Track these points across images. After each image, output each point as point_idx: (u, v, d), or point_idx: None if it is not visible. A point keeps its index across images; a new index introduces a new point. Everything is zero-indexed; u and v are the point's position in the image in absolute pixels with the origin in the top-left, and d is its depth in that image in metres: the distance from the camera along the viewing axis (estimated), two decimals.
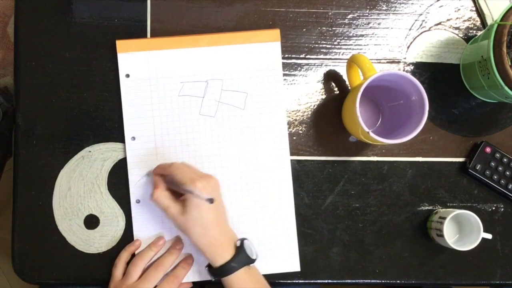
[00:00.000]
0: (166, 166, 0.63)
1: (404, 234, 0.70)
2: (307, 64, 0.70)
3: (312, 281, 0.68)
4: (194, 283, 0.68)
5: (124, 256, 0.66)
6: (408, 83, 0.60)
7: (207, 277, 0.66)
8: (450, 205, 0.70)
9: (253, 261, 0.61)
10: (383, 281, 0.69)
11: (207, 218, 0.59)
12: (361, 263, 0.69)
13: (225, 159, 0.68)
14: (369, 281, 0.69)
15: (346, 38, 0.71)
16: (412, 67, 0.71)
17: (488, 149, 0.69)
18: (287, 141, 0.69)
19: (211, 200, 0.57)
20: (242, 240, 0.62)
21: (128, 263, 0.65)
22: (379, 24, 0.71)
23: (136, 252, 0.66)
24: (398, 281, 0.69)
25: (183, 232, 0.61)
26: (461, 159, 0.70)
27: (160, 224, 0.67)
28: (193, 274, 0.67)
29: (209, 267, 0.62)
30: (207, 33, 0.69)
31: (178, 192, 0.63)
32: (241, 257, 0.60)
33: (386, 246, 0.69)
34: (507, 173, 0.69)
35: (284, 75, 0.70)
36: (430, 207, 0.70)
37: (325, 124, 0.70)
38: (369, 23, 0.71)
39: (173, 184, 0.62)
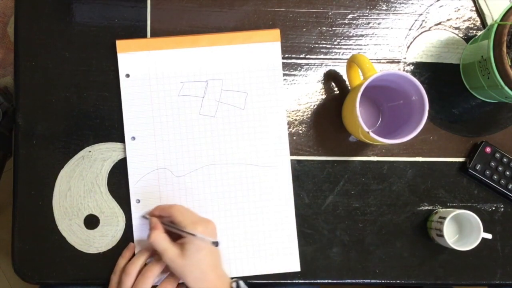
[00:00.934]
0: (166, 207, 0.64)
1: (404, 234, 0.70)
2: (307, 64, 0.70)
3: (312, 281, 0.68)
4: None
5: (122, 263, 0.65)
6: (408, 83, 0.60)
7: None
8: (450, 205, 0.70)
9: None
10: (383, 281, 0.69)
11: (205, 262, 0.59)
12: (361, 263, 0.69)
13: (225, 159, 0.68)
14: (369, 281, 0.69)
15: (346, 38, 0.71)
16: (412, 67, 0.71)
17: (488, 149, 0.69)
18: (287, 141, 0.69)
19: (216, 243, 0.57)
20: (237, 282, 0.62)
21: None
22: (379, 24, 0.71)
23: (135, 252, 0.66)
24: (398, 281, 0.69)
25: (179, 275, 0.60)
26: (461, 159, 0.70)
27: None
28: None
29: None
30: (207, 33, 0.69)
31: (174, 235, 0.62)
32: None
33: (386, 246, 0.69)
34: (507, 173, 0.69)
35: (284, 75, 0.70)
36: (430, 207, 0.70)
37: (325, 124, 0.70)
38: (369, 23, 0.71)
39: (171, 226, 0.62)
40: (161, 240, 0.60)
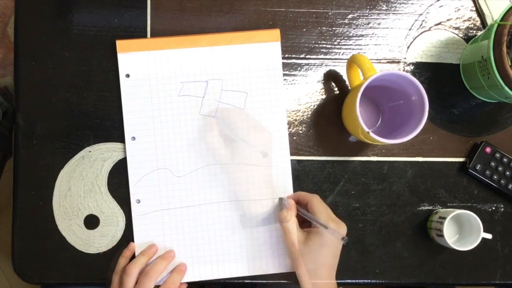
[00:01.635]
0: (307, 195, 0.64)
1: (404, 234, 0.70)
2: (307, 64, 0.70)
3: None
4: (193, 283, 0.68)
5: (122, 263, 0.65)
6: (408, 83, 0.60)
7: (202, 277, 0.66)
8: (450, 205, 0.70)
9: None
10: (383, 281, 0.69)
11: (324, 258, 0.59)
12: (361, 263, 0.69)
13: (225, 159, 0.68)
14: (369, 281, 0.69)
15: (346, 38, 0.71)
16: (412, 67, 0.71)
17: (488, 149, 0.69)
18: (287, 141, 0.69)
19: (345, 240, 0.56)
20: None
21: None
22: (379, 24, 0.71)
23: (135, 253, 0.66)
24: (398, 281, 0.69)
25: (292, 260, 0.61)
26: (461, 159, 0.70)
27: (160, 224, 0.67)
28: (192, 274, 0.67)
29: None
30: (207, 33, 0.69)
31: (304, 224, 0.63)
32: None
33: (386, 246, 0.69)
34: (507, 173, 0.69)
35: (284, 75, 0.70)
36: (430, 207, 0.70)
37: (325, 124, 0.70)
38: (369, 23, 0.71)
39: (305, 214, 0.62)
40: (292, 221, 0.62)
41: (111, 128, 0.68)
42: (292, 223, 0.62)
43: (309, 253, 0.60)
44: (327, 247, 0.60)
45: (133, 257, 0.66)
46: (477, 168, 0.69)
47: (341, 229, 0.61)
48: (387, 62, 0.71)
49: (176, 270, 0.66)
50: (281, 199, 0.67)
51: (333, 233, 0.57)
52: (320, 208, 0.61)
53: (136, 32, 0.69)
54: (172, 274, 0.65)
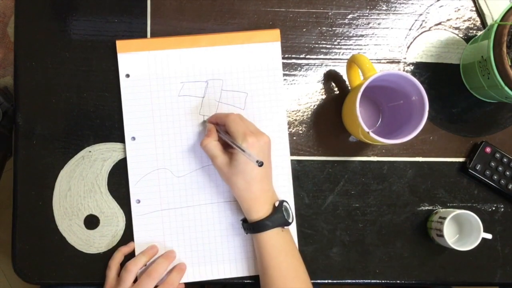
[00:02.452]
0: (222, 115, 0.64)
1: (404, 234, 0.70)
2: (307, 64, 0.70)
3: (312, 281, 0.68)
4: (193, 283, 0.68)
5: (117, 257, 0.66)
6: (408, 83, 0.60)
7: (202, 277, 0.66)
8: (450, 205, 0.70)
9: (288, 223, 0.62)
10: (383, 281, 0.69)
11: (251, 174, 0.60)
12: (361, 263, 0.69)
13: None
14: (369, 281, 0.69)
15: (346, 38, 0.71)
16: (412, 67, 0.71)
17: (488, 149, 0.69)
18: (287, 141, 0.69)
19: (260, 163, 0.56)
20: (281, 202, 0.62)
21: (121, 265, 0.65)
22: (379, 24, 0.71)
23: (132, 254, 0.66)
24: (398, 281, 0.69)
25: (226, 182, 0.63)
26: (461, 159, 0.70)
27: (160, 224, 0.67)
28: (192, 274, 0.67)
29: (244, 221, 0.64)
30: (207, 33, 0.69)
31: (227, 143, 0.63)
32: (277, 217, 0.61)
33: (386, 246, 0.69)
34: (507, 173, 0.69)
35: (284, 75, 0.70)
36: (430, 207, 0.70)
37: (325, 124, 0.70)
38: (369, 23, 0.71)
39: (224, 136, 0.63)
40: (212, 147, 0.62)
41: (111, 128, 0.68)
42: (213, 147, 0.62)
43: (237, 172, 0.60)
44: (250, 163, 0.60)
45: (131, 256, 0.66)
46: (477, 168, 0.69)
47: (261, 141, 0.61)
48: (387, 62, 0.71)
49: (175, 269, 0.66)
50: (204, 123, 0.67)
51: (248, 156, 0.57)
52: (236, 126, 0.61)
53: (136, 32, 0.69)
54: (172, 273, 0.65)
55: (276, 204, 0.61)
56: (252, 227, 0.61)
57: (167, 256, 0.66)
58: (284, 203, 0.62)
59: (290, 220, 0.62)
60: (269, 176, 0.63)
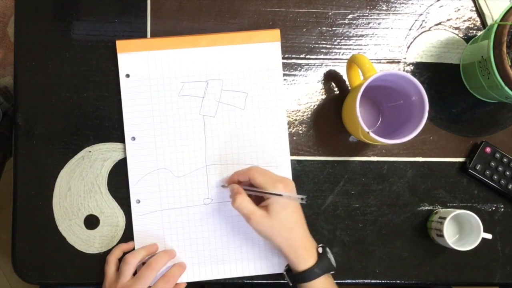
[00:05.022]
0: (244, 171, 0.63)
1: (404, 234, 0.70)
2: (307, 64, 0.70)
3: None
4: (193, 283, 0.68)
5: (116, 252, 0.65)
6: (408, 83, 0.60)
7: (201, 277, 0.66)
8: (450, 205, 0.70)
9: (334, 269, 0.61)
10: (383, 281, 0.69)
11: (293, 220, 0.60)
12: (361, 263, 0.69)
13: (225, 159, 0.68)
14: (369, 281, 0.69)
15: (346, 38, 0.71)
16: (412, 67, 0.71)
17: (488, 149, 0.69)
18: (287, 141, 0.69)
19: (305, 199, 0.56)
20: (324, 247, 0.62)
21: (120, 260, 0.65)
22: (379, 24, 0.71)
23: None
24: (398, 281, 0.69)
25: (267, 237, 0.61)
26: (461, 159, 0.70)
27: (160, 224, 0.67)
28: (192, 274, 0.67)
29: (288, 271, 0.62)
30: (207, 33, 0.69)
31: (256, 198, 0.62)
32: (324, 263, 0.60)
33: (386, 246, 0.69)
34: (507, 173, 0.69)
35: (284, 75, 0.70)
36: (430, 207, 0.70)
37: (325, 124, 0.70)
38: (369, 23, 0.71)
39: (252, 190, 0.62)
40: (246, 203, 0.60)
41: (111, 128, 0.68)
42: (247, 204, 0.60)
43: (278, 222, 0.59)
44: (289, 208, 0.59)
45: None
46: (477, 168, 0.69)
47: (290, 186, 0.61)
48: (387, 62, 0.71)
49: (176, 265, 0.66)
50: (223, 187, 0.67)
51: (289, 197, 0.57)
52: (263, 177, 0.60)
53: (136, 32, 0.69)
54: (173, 267, 0.65)
55: (320, 250, 0.61)
56: (301, 277, 0.59)
57: (167, 251, 0.66)
58: (326, 248, 0.62)
59: (335, 265, 0.61)
60: (305, 220, 0.62)
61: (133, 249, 0.67)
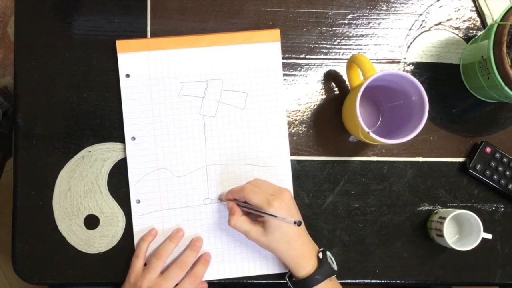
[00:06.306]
0: (237, 190, 0.63)
1: (404, 234, 0.70)
2: (307, 64, 0.70)
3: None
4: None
5: (144, 247, 0.65)
6: (408, 83, 0.60)
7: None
8: (450, 205, 0.70)
9: (335, 272, 0.62)
10: (383, 281, 0.69)
11: (290, 235, 0.60)
12: (361, 263, 0.69)
13: (225, 159, 0.68)
14: (369, 281, 0.69)
15: (346, 38, 0.71)
16: (412, 67, 0.71)
17: (488, 149, 0.69)
18: (287, 141, 0.69)
19: (298, 223, 0.56)
20: (323, 252, 0.62)
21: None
22: (379, 24, 0.71)
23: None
24: (398, 281, 0.69)
25: (266, 249, 0.62)
26: (461, 159, 0.70)
27: (160, 224, 0.67)
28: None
29: (290, 278, 0.63)
30: (207, 33, 0.69)
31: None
32: (325, 269, 0.60)
33: (386, 246, 0.69)
34: (507, 173, 0.69)
35: (284, 75, 0.70)
36: (430, 207, 0.70)
37: (325, 124, 0.70)
38: (369, 23, 0.71)
39: (248, 208, 0.62)
40: (241, 223, 0.62)
41: (111, 128, 0.68)
42: (242, 223, 0.62)
43: (275, 238, 0.60)
44: (284, 225, 0.60)
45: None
46: (477, 168, 0.69)
47: (285, 200, 0.60)
48: (387, 62, 0.71)
49: (201, 261, 0.66)
50: (221, 200, 0.68)
51: (283, 220, 0.57)
52: (256, 196, 0.60)
53: (136, 32, 0.69)
54: (197, 265, 0.65)
55: (321, 256, 0.61)
56: (302, 284, 0.60)
57: (172, 237, 0.66)
58: (327, 252, 0.62)
59: (335, 268, 0.62)
60: (304, 228, 0.64)
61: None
